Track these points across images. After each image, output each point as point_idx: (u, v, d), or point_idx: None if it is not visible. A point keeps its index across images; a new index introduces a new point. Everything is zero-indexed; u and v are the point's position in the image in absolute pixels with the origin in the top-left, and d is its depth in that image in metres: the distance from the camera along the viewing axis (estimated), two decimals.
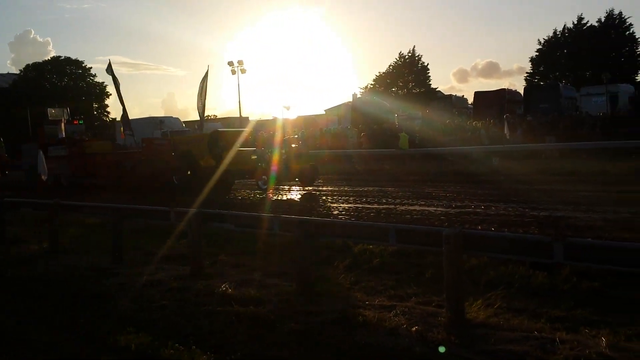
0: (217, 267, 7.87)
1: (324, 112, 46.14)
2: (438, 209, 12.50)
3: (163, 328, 5.49)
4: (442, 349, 4.58)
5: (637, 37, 54.76)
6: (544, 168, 18.17)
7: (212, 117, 60.83)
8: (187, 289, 6.67)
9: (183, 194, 16.46)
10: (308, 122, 41.69)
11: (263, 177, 17.87)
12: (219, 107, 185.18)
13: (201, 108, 21.24)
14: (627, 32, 55.04)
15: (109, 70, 22.23)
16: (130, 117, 24.31)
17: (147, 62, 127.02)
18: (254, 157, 18.28)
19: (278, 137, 18.24)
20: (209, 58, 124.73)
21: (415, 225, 6.73)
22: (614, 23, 55.15)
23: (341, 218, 11.39)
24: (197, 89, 21.43)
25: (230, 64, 44.31)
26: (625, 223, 9.55)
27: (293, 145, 18.34)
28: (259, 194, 18.15)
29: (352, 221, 6.80)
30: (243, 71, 44.66)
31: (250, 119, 42.04)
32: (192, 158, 18.84)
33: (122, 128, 26.48)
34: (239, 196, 18.21)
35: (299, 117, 44.31)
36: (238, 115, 43.69)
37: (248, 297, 6.12)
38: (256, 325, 5.29)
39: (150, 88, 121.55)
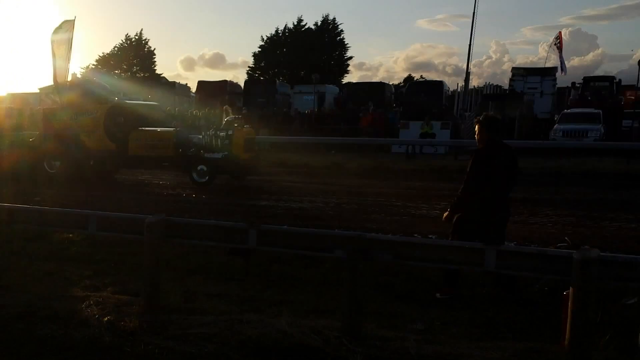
0: None
1: (38, 91, 42.02)
2: (143, 195, 12.41)
3: None
4: None
5: (346, 43, 60.93)
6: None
7: None
8: None
9: (64, 185, 12.86)
10: (19, 100, 37.51)
11: (200, 167, 13.84)
12: None
13: (63, 70, 15.91)
14: (339, 38, 60.86)
15: None
16: None
17: None
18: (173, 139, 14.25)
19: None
20: None
21: (117, 212, 6.59)
22: (329, 28, 60.49)
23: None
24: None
25: None
26: (318, 211, 10.66)
27: (236, 125, 14.32)
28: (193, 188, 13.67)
29: (49, 208, 6.36)
30: None
31: None
32: (76, 139, 14.70)
33: None
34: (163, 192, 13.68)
35: (9, 94, 39.60)
36: None
37: None
38: None
39: None
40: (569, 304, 4.09)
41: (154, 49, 64.33)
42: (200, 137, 14.13)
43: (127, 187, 14.88)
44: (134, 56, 63.76)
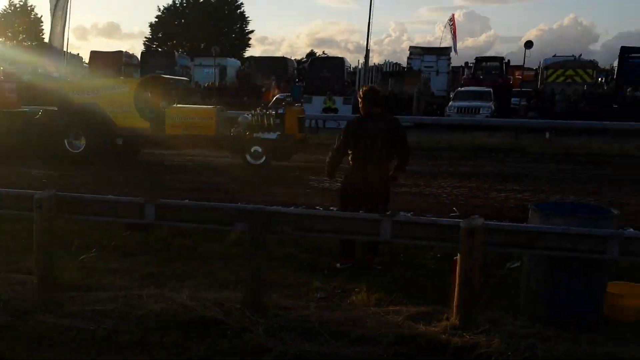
0: None
1: None
2: (50, 172, 11.82)
3: None
4: None
5: (247, 16, 60.21)
6: None
7: None
8: None
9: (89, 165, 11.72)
10: None
11: (254, 148, 12.64)
12: None
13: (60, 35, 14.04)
14: (239, 11, 60.03)
15: None
16: None
17: None
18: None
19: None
20: None
21: (6, 188, 6.23)
22: (228, 0, 59.46)
23: None
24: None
25: None
26: (219, 185, 10.59)
27: (284, 104, 13.19)
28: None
29: None
30: None
31: None
32: (101, 115, 13.11)
33: None
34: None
35: None
36: None
37: None
38: None
39: None
40: (457, 269, 4.36)
41: (41, 16, 60.83)
42: (246, 115, 13.16)
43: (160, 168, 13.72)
44: (20, 23, 60.02)
